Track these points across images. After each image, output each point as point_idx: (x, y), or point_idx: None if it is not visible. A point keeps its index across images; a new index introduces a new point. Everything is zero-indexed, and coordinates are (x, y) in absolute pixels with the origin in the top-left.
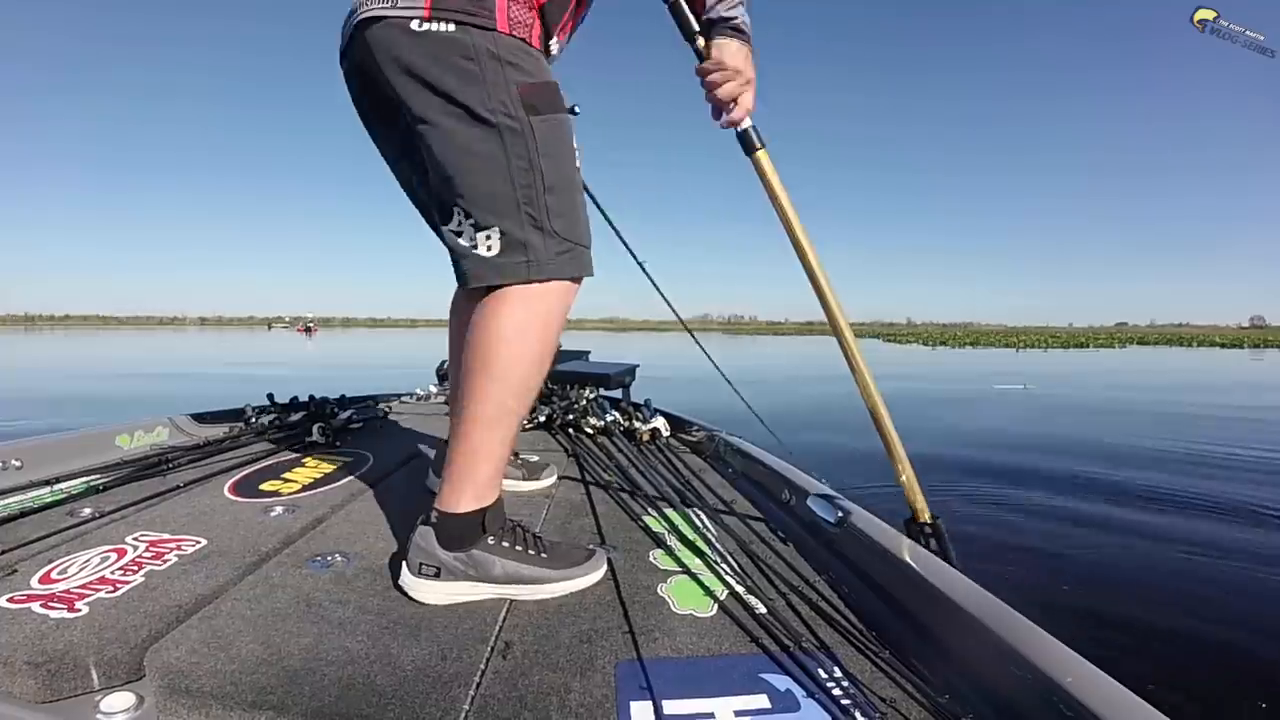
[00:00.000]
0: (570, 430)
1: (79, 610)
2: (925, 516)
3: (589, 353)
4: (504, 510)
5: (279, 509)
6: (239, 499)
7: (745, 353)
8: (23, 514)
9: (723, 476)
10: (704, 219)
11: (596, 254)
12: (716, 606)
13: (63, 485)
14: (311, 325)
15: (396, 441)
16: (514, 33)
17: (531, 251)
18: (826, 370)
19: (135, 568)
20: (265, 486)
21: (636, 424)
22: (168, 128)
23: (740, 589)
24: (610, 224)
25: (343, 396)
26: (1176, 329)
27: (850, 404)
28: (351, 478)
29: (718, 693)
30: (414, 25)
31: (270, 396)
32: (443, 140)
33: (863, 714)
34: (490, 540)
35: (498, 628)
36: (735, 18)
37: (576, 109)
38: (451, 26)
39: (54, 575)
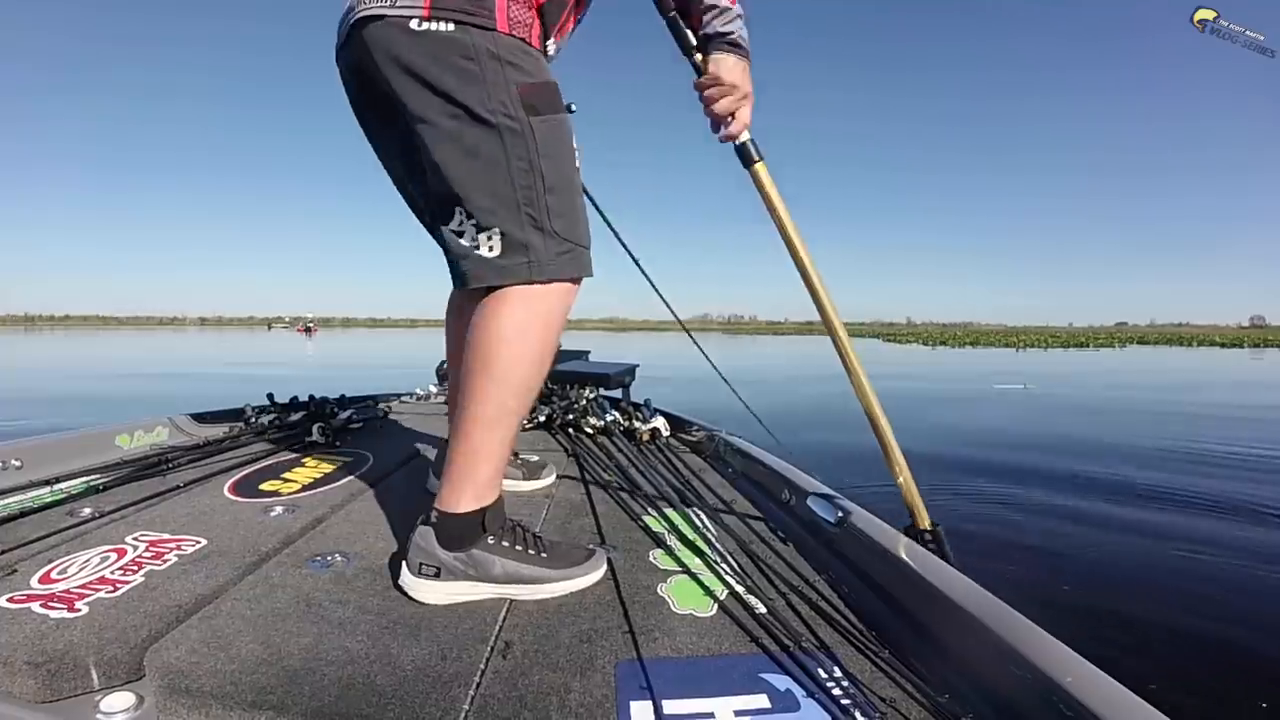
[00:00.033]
0: (570, 430)
1: (79, 610)
2: (925, 523)
3: (589, 353)
4: (504, 510)
5: (279, 509)
6: (239, 499)
7: (745, 352)
8: (23, 514)
9: (722, 476)
10: (703, 219)
11: (595, 254)
12: (716, 606)
13: (63, 485)
14: (311, 325)
15: (396, 441)
16: (514, 32)
17: (532, 252)
18: (826, 370)
19: (135, 568)
20: (265, 486)
21: (636, 424)
22: (167, 128)
23: (740, 589)
24: (609, 224)
25: (343, 396)
26: (1176, 329)
27: (850, 404)
28: (351, 478)
29: (718, 692)
30: (413, 24)
31: (270, 396)
32: (442, 140)
33: (863, 714)
34: (490, 540)
35: (498, 628)
36: (732, 33)
37: (573, 106)
38: (451, 26)
39: (54, 575)
